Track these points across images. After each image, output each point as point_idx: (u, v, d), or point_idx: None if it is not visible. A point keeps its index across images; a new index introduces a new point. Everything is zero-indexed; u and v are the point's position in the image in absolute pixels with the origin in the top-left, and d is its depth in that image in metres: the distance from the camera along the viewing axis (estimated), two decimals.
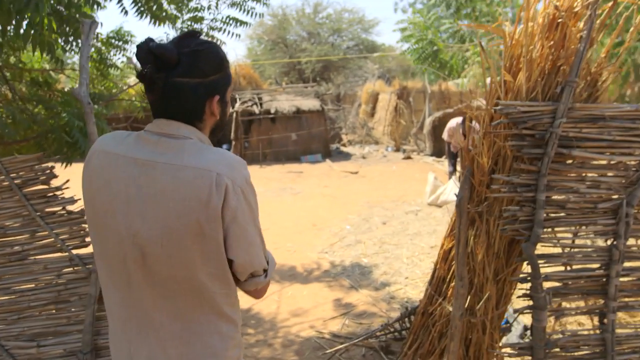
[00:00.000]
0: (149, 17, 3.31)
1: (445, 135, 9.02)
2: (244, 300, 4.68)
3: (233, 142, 14.49)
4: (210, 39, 1.32)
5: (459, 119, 8.64)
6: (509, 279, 2.54)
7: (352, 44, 26.71)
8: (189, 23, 3.79)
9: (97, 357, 2.35)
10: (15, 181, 2.34)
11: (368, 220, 7.46)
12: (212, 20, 3.80)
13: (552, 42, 2.21)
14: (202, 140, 1.29)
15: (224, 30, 3.91)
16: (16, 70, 3.56)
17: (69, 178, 2.47)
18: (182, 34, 1.29)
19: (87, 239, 2.40)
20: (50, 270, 2.39)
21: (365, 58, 26.12)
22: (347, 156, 15.28)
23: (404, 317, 3.30)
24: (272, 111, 14.58)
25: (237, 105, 14.56)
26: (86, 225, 2.40)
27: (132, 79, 5.56)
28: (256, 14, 3.94)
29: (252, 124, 14.57)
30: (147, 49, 1.19)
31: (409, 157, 14.30)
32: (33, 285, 2.39)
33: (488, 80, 2.31)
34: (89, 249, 2.26)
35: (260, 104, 14.86)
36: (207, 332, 1.29)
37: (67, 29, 3.06)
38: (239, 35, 3.97)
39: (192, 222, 1.19)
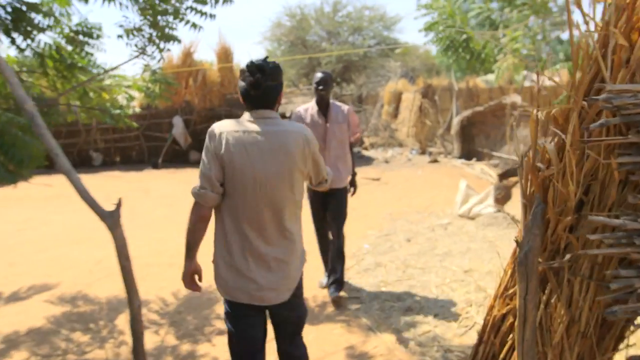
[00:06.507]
0: None
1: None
2: None
3: None
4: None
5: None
6: None
7: (374, 42, 25.57)
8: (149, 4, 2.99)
9: None
10: None
11: (390, 237, 6.51)
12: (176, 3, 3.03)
13: None
14: (279, 117, 2.32)
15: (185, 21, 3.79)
16: None
17: None
18: (261, 59, 2.20)
19: None
20: None
21: (387, 57, 24.98)
22: (368, 161, 14.29)
23: None
24: (287, 114, 13.72)
25: None
26: None
27: (109, 81, 4.74)
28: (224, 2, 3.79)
29: None
30: (256, 65, 2.16)
31: (435, 161, 13.24)
32: None
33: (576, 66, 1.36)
34: None
35: None
36: (297, 233, 2.36)
37: None
38: (202, 27, 3.94)
39: (292, 164, 2.22)
